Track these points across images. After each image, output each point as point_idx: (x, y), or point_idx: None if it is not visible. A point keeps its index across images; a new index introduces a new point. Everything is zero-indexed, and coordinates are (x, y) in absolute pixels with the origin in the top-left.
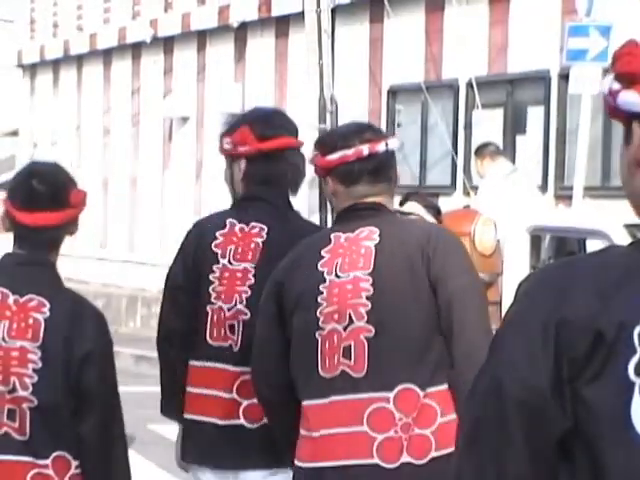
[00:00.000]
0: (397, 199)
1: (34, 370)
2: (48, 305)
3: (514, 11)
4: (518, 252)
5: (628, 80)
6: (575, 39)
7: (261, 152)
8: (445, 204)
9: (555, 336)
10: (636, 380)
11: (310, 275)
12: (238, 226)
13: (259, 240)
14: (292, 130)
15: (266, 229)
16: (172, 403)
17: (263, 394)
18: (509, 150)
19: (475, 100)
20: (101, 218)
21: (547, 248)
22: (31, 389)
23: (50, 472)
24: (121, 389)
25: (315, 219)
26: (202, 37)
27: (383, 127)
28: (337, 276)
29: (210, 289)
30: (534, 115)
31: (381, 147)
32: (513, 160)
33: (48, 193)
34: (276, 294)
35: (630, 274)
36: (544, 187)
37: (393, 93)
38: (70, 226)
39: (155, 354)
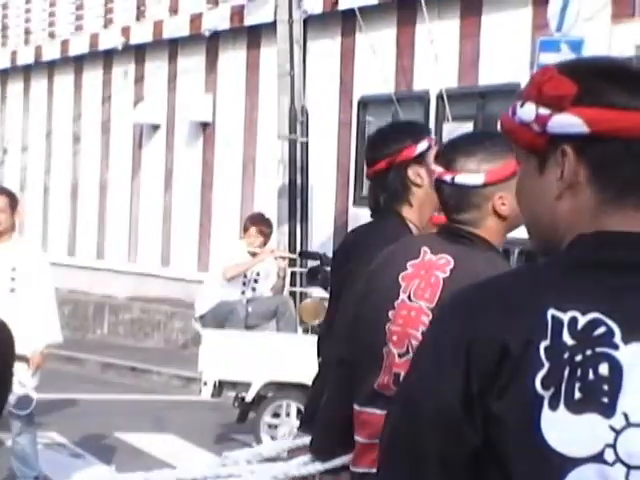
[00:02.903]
0: None
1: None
2: None
3: (485, 25)
4: None
5: (557, 104)
6: (546, 54)
7: None
8: None
9: (466, 353)
10: (544, 393)
11: (390, 286)
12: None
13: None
14: None
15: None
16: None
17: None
18: None
19: (446, 112)
20: (70, 224)
21: (516, 261)
22: None
23: None
24: (87, 397)
25: (284, 229)
26: (174, 46)
27: (353, 138)
28: (409, 299)
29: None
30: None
31: None
32: None
33: None
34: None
35: (538, 290)
36: None
37: (364, 104)
38: None
39: (121, 362)
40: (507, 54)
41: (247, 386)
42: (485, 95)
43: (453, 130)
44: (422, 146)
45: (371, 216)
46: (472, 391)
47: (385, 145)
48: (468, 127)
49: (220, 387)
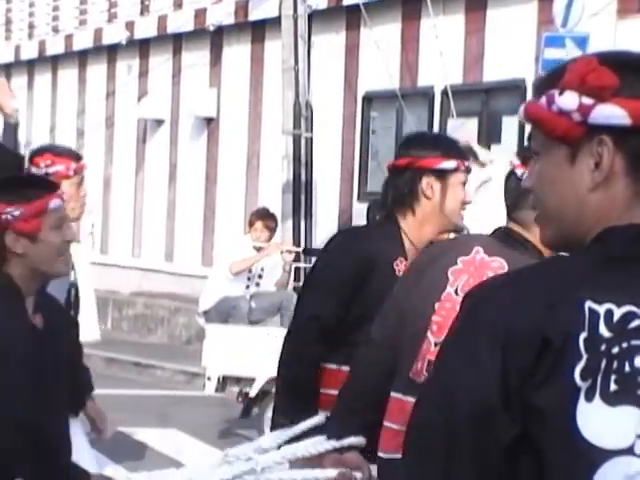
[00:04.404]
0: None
1: None
2: None
3: (490, 20)
4: None
5: (599, 95)
6: (551, 49)
7: None
8: None
9: (502, 347)
10: (582, 385)
11: (439, 279)
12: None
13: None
14: None
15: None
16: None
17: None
18: None
19: (450, 108)
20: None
21: None
22: None
23: None
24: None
25: (288, 224)
26: (178, 40)
27: (358, 134)
28: (456, 293)
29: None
30: (509, 124)
31: None
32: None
33: None
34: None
35: (572, 283)
36: None
37: (368, 100)
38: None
39: (125, 357)
40: (512, 50)
41: (251, 381)
42: (490, 91)
43: (457, 126)
44: (449, 163)
45: (378, 212)
46: (510, 384)
47: (415, 145)
48: (473, 123)
49: (224, 382)
